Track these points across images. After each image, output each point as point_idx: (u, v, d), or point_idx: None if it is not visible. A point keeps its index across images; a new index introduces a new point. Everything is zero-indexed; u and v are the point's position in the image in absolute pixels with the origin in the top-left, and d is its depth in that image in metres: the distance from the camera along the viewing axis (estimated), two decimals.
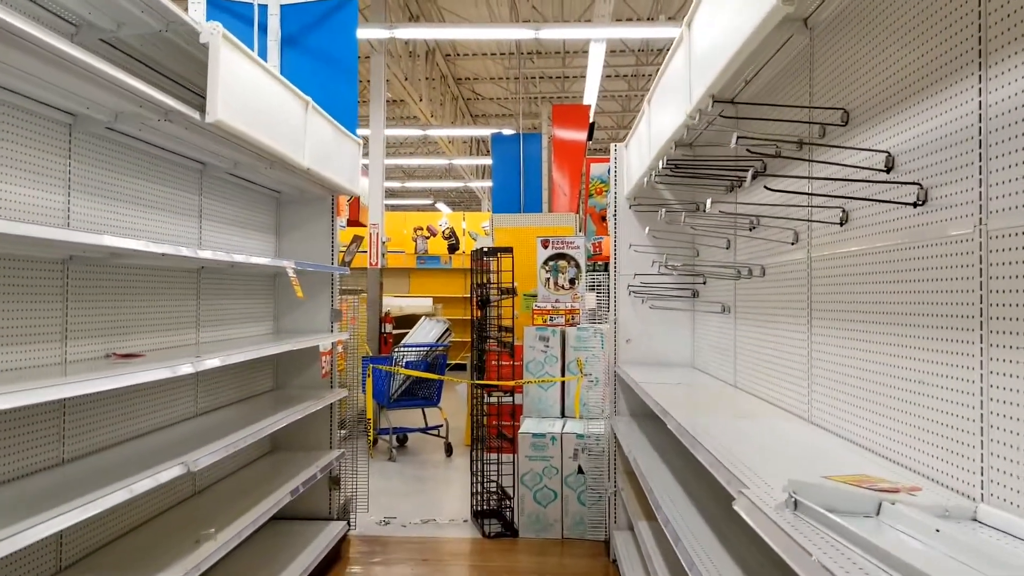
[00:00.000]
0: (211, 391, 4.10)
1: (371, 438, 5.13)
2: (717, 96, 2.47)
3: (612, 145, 4.97)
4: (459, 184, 20.95)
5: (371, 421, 5.29)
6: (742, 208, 3.55)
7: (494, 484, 5.64)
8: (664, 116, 3.37)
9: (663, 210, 3.46)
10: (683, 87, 2.88)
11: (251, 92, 3.15)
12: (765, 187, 2.13)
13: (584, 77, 12.55)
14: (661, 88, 3.50)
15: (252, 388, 4.67)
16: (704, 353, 4.54)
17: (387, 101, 16.22)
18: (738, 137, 2.12)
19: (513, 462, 5.53)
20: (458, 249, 16.30)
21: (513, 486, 5.50)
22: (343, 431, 5.10)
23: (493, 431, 5.76)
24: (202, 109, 2.83)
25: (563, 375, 6.33)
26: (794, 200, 2.82)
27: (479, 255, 5.57)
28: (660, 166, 3.48)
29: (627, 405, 4.98)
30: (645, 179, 3.98)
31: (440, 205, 20.71)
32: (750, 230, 3.50)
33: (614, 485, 4.98)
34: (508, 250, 5.43)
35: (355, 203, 10.10)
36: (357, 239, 4.95)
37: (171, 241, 3.61)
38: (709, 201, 2.53)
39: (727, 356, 3.94)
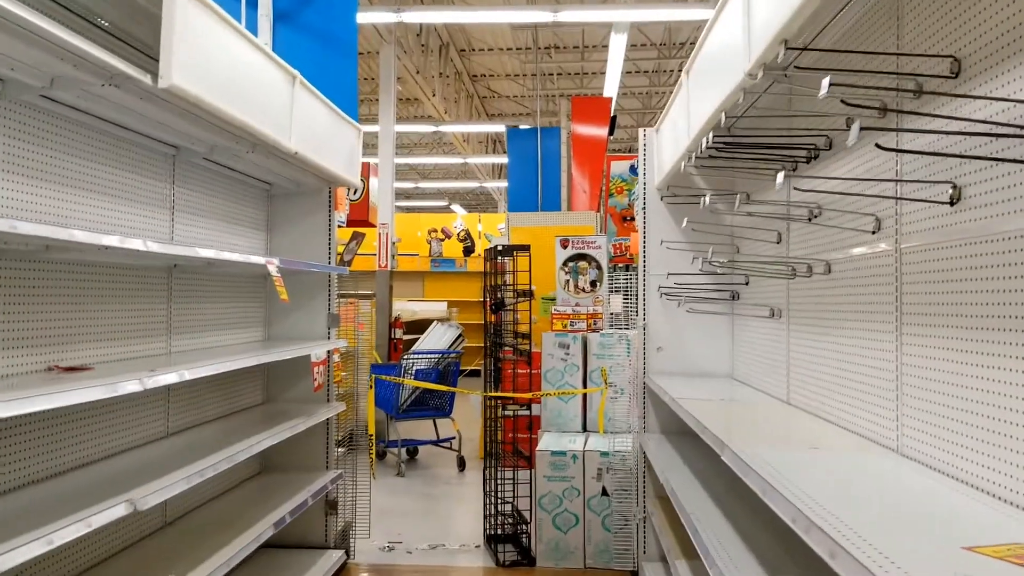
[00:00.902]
0: (187, 407, 3.61)
1: (373, 456, 4.63)
2: (791, 42, 1.94)
3: (641, 130, 4.45)
4: (475, 185, 20.47)
5: (373, 437, 4.79)
6: (798, 191, 3.02)
7: (509, 505, 5.12)
8: (710, 84, 2.84)
9: (707, 196, 2.93)
10: (738, 42, 2.36)
11: (220, 57, 2.66)
12: (876, 145, 1.61)
13: (604, 73, 12.04)
14: (705, 53, 2.98)
15: (238, 402, 4.18)
16: (747, 363, 4.00)
17: (401, 99, 15.78)
18: (831, 85, 1.59)
19: (530, 480, 5.01)
20: (473, 251, 15.81)
21: (530, 509, 4.97)
22: (341, 449, 4.60)
23: (508, 448, 5.25)
24: (157, 74, 2.34)
25: (585, 386, 5.80)
26: (879, 175, 2.29)
27: (493, 254, 5.06)
28: (704, 145, 2.95)
29: (658, 421, 4.44)
30: (683, 163, 3.46)
31: (455, 207, 20.26)
32: (809, 220, 2.97)
33: (643, 510, 4.45)
34: (525, 248, 4.92)
35: (364, 202, 9.64)
36: (357, 236, 4.47)
37: (133, 235, 3.12)
38: (780, 175, 2.00)
39: (777, 368, 3.40)
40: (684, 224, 4.00)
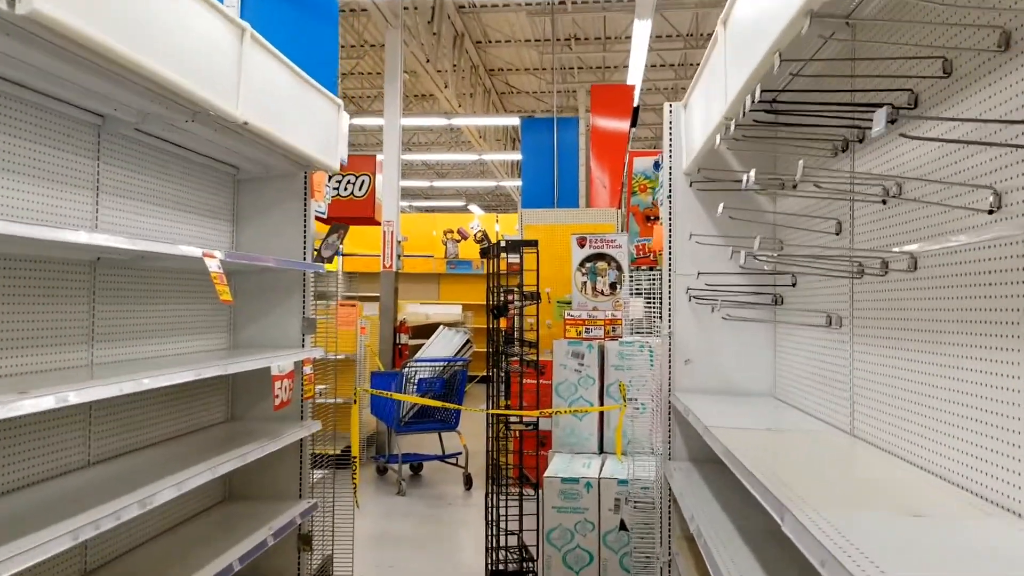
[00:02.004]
0: (119, 428, 3.02)
1: (356, 481, 4.03)
2: None
3: (666, 105, 3.81)
4: (492, 184, 19.87)
5: (358, 460, 4.19)
6: (864, 169, 2.36)
7: (515, 536, 4.49)
8: (757, 27, 2.20)
9: (752, 172, 2.27)
10: None
11: None
12: None
13: (627, 67, 11.38)
14: None
15: (194, 420, 3.59)
16: (793, 381, 3.33)
17: (415, 95, 15.24)
18: None
19: (537, 510, 4.37)
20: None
21: (537, 544, 4.33)
22: (319, 474, 4.00)
23: (514, 472, 4.62)
24: None
25: (602, 400, 5.15)
26: (991, 133, 1.63)
27: (496, 251, 4.44)
28: (748, 106, 2.30)
29: (685, 446, 3.78)
30: (718, 136, 2.80)
31: (473, 207, 19.69)
32: (884, 201, 2.31)
33: (668, 551, 3.79)
34: (532, 244, 4.29)
35: (370, 199, 9.07)
36: (338, 229, 3.87)
37: (34, 219, 2.53)
38: (882, 114, 1.35)
39: (836, 390, 2.73)
40: (716, 214, 3.35)
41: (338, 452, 4.62)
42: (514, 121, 11.76)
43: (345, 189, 8.96)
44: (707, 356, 3.76)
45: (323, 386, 4.12)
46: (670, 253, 3.78)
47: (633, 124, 8.78)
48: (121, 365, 2.85)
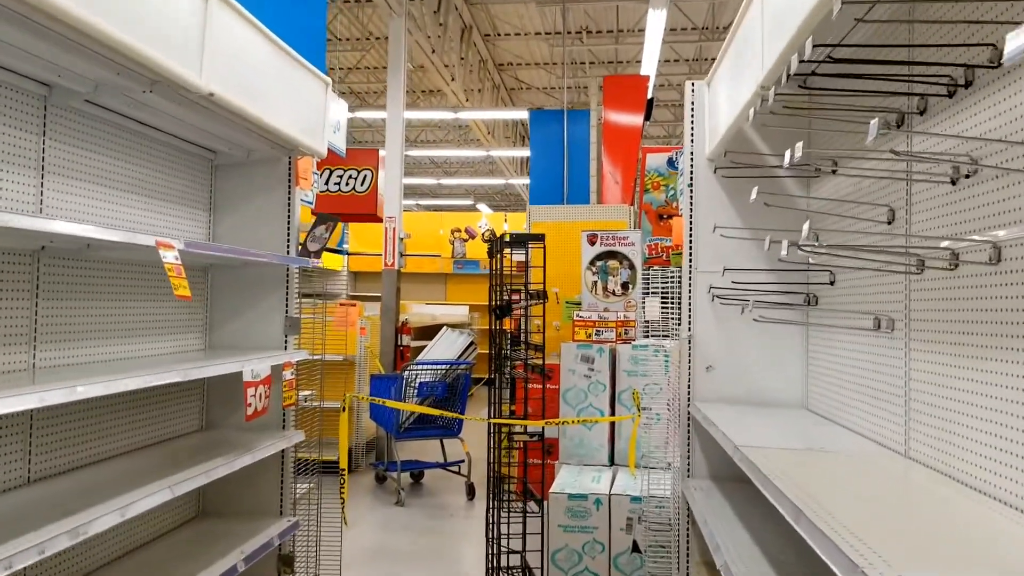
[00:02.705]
0: (67, 441, 2.68)
1: (344, 495, 3.68)
2: None
3: (688, 83, 3.45)
4: (501, 182, 19.52)
5: (346, 472, 3.84)
6: (923, 146, 1.99)
7: (518, 555, 4.13)
8: None
9: (796, 149, 1.91)
10: None
11: None
12: None
13: (640, 61, 11.00)
14: None
15: (163, 430, 3.25)
16: (828, 391, 2.96)
17: (423, 91, 14.92)
18: None
19: (542, 528, 4.01)
20: None
21: (541, 566, 3.97)
22: (304, 487, 3.66)
23: (518, 486, 4.26)
24: None
25: (613, 408, 4.78)
26: None
27: (500, 246, 4.08)
28: (792, 67, 1.93)
29: (706, 462, 3.42)
30: (751, 111, 2.44)
31: (481, 206, 19.35)
32: (953, 182, 1.94)
33: None
34: (539, 238, 3.93)
35: (372, 195, 8.74)
36: (326, 220, 3.52)
37: None
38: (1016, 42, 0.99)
39: (887, 403, 2.36)
40: (742, 204, 2.99)
41: (332, 459, 4.26)
42: (522, 115, 11.38)
43: (347, 184, 8.63)
44: (731, 362, 3.40)
45: (308, 391, 3.78)
46: (690, 248, 3.41)
47: (647, 117, 8.41)
48: (69, 369, 2.51)
